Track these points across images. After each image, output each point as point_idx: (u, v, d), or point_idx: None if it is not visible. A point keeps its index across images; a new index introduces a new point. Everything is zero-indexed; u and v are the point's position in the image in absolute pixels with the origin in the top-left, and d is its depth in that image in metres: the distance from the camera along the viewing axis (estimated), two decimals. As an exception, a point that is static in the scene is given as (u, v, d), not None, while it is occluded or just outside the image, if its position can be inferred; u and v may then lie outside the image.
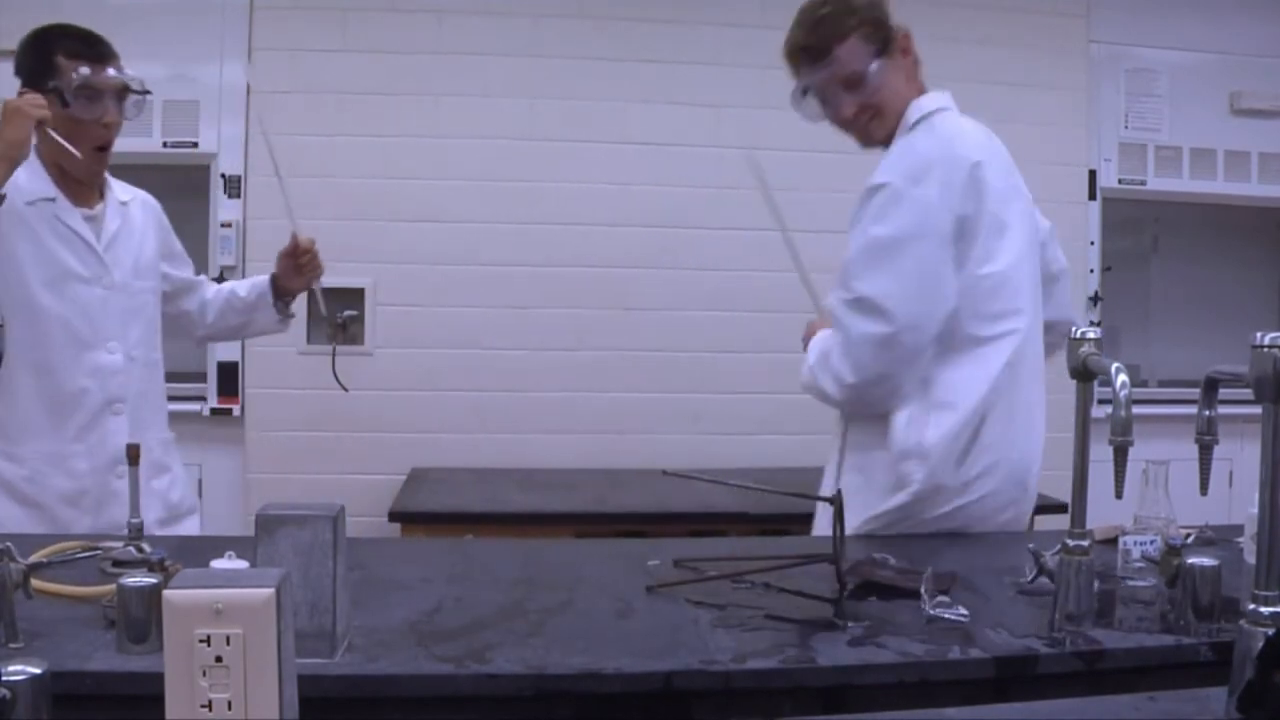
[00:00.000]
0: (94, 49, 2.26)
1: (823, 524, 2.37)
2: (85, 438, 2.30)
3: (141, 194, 2.55)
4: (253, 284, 2.70)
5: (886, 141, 2.21)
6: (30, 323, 2.23)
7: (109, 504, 2.28)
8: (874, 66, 2.15)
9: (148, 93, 2.35)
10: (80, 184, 2.34)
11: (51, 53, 2.23)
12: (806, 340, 2.30)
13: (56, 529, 2.14)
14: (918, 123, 2.17)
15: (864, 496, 2.12)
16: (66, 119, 2.21)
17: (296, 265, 2.61)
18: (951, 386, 2.10)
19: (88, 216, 2.35)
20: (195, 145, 4.04)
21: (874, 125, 2.21)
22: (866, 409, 2.14)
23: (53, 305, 2.26)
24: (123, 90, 2.29)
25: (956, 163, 2.09)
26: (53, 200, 2.28)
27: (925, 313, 2.06)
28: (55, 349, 2.27)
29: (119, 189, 2.47)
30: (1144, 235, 4.95)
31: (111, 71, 2.26)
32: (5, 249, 2.22)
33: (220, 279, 2.73)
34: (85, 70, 2.21)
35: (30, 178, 2.24)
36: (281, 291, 2.67)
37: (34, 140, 2.16)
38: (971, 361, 2.11)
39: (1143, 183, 4.61)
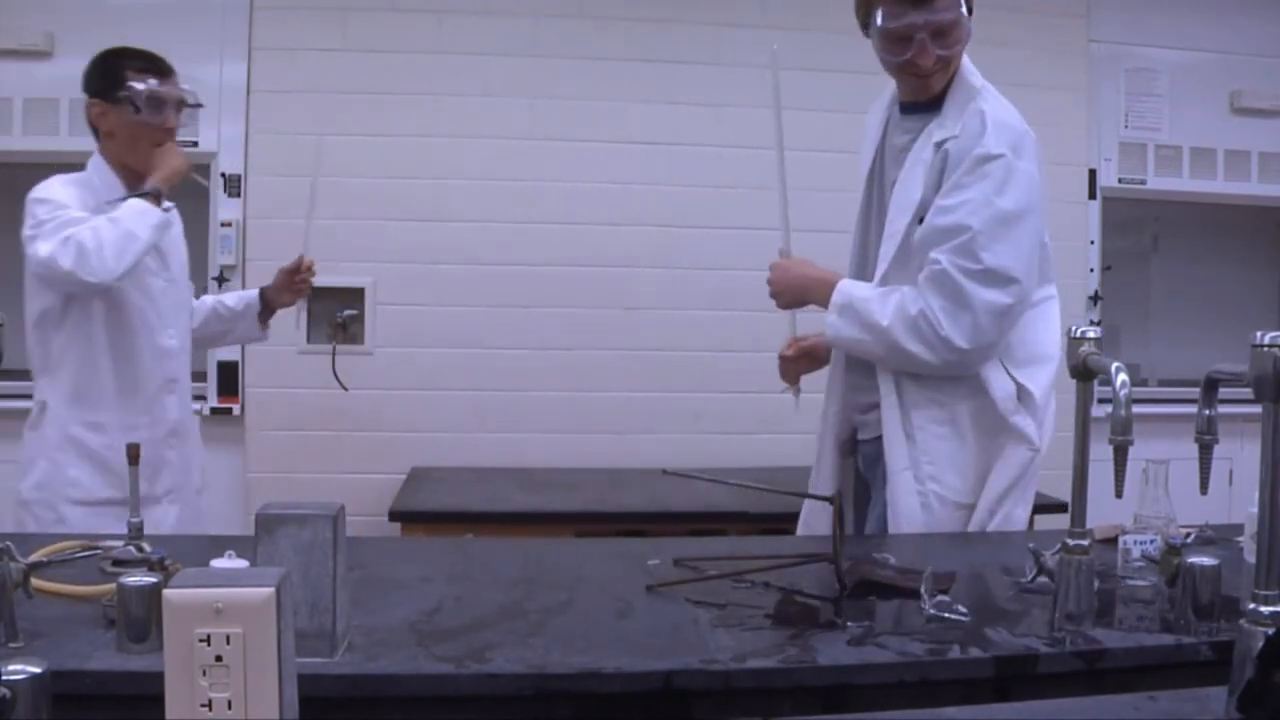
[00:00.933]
0: (157, 65, 2.56)
1: (812, 522, 2.38)
2: (150, 411, 2.59)
3: (172, 204, 2.74)
4: (241, 296, 3.00)
5: (937, 97, 2.22)
6: (114, 309, 2.51)
7: (162, 470, 2.59)
8: (967, 22, 2.16)
9: (200, 105, 2.69)
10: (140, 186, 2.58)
11: (121, 69, 2.51)
12: (782, 282, 2.37)
13: (122, 491, 2.20)
14: (980, 88, 2.20)
15: (962, 457, 2.20)
16: (133, 124, 2.50)
17: (291, 283, 2.89)
18: (1035, 343, 2.20)
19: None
20: (195, 145, 4.03)
21: (937, 79, 2.21)
22: (955, 371, 2.17)
23: (132, 293, 2.53)
24: (180, 103, 2.58)
25: (1031, 136, 2.18)
26: (126, 200, 2.48)
27: (1034, 282, 2.19)
28: (131, 333, 2.55)
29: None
30: (1144, 234, 4.95)
31: (170, 87, 2.56)
32: None
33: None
34: (154, 82, 2.52)
35: (103, 181, 2.54)
36: (269, 304, 2.94)
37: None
38: (1036, 322, 2.23)
39: (1143, 182, 4.60)
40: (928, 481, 2.19)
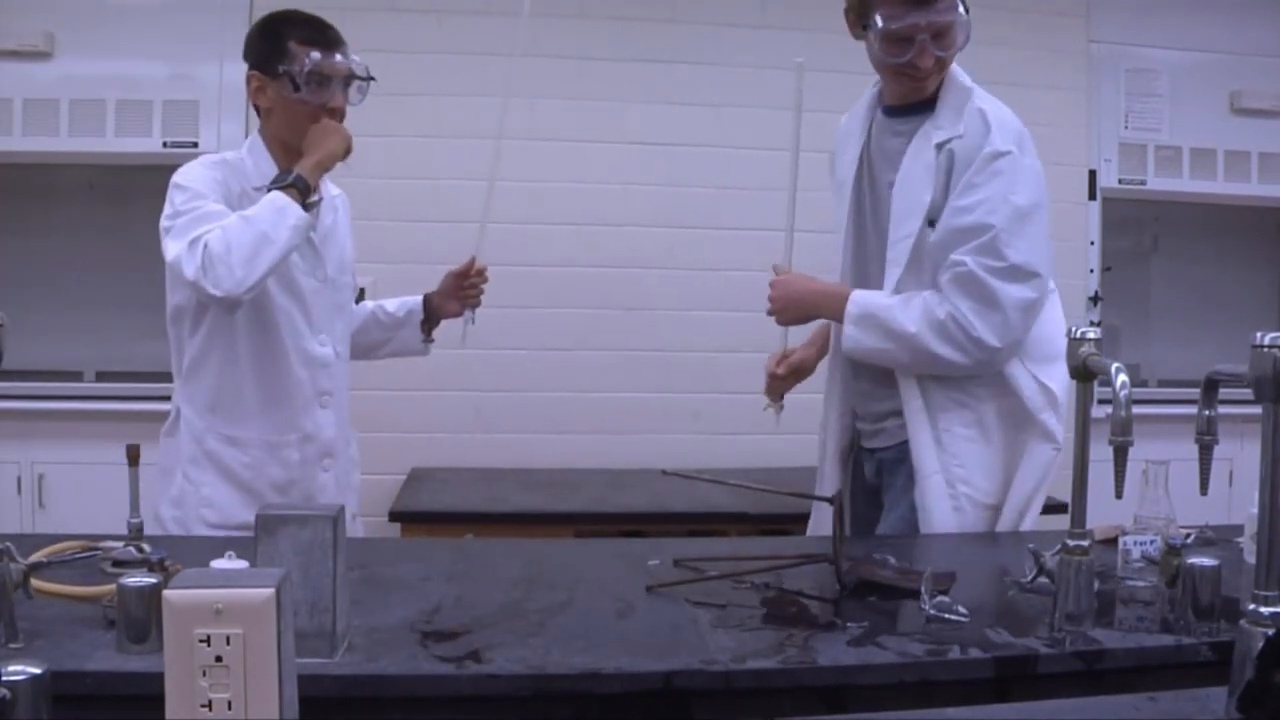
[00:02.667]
0: (324, 35, 2.28)
1: (820, 522, 2.37)
2: (298, 426, 2.32)
3: (340, 191, 2.53)
4: (403, 302, 2.68)
5: (929, 99, 2.23)
6: (256, 311, 2.23)
7: (316, 497, 2.33)
8: (966, 23, 2.16)
9: (372, 79, 2.34)
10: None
11: (283, 38, 2.25)
12: (784, 299, 2.35)
13: None
14: (971, 88, 2.23)
15: (989, 458, 2.22)
16: (293, 103, 2.24)
17: (459, 289, 2.63)
18: (1049, 341, 2.19)
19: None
20: (195, 145, 4.03)
21: (932, 81, 2.21)
22: (984, 370, 2.19)
23: (277, 295, 2.26)
24: (348, 77, 2.30)
25: (1027, 132, 2.21)
26: (267, 191, 2.22)
27: (1051, 275, 2.24)
28: (277, 338, 2.28)
29: (327, 183, 2.43)
30: (1144, 235, 4.95)
31: (339, 58, 2.28)
32: None
33: (360, 294, 2.70)
34: (316, 55, 2.23)
35: (256, 164, 2.30)
36: (433, 313, 2.67)
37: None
38: (1045, 319, 2.23)
39: (1143, 183, 4.60)
40: (958, 485, 2.19)
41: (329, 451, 2.37)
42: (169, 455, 2.31)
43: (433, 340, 2.72)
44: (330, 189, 2.47)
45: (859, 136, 2.34)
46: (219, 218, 2.11)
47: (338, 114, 2.29)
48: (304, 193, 2.16)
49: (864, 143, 2.33)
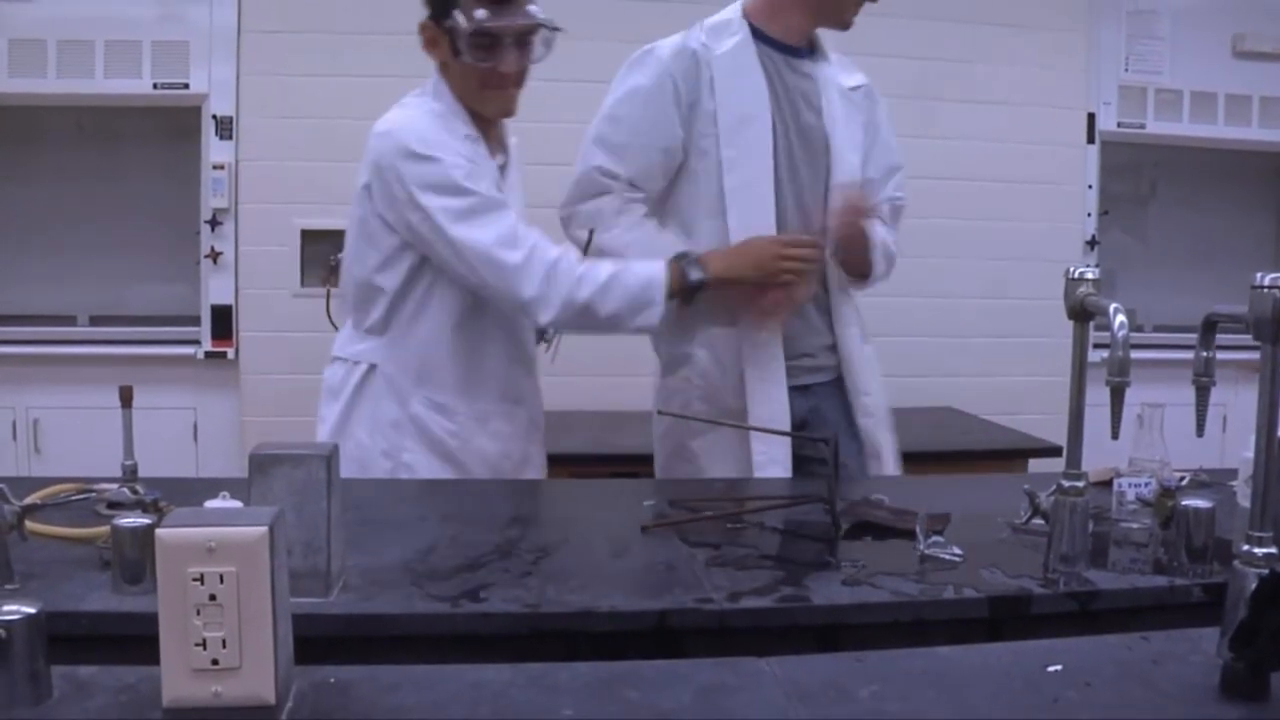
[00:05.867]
0: None
1: (765, 463, 2.30)
2: (505, 397, 2.21)
3: (516, 139, 2.31)
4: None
5: (812, 41, 2.39)
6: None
7: (525, 470, 2.24)
8: None
9: (558, 29, 2.08)
10: (491, 128, 2.18)
11: None
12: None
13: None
14: None
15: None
16: (461, 64, 2.05)
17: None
18: None
19: (500, 165, 2.18)
20: (186, 86, 3.99)
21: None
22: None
23: None
24: (523, 33, 2.05)
25: None
26: (476, 140, 2.11)
27: None
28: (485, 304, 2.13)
29: (508, 134, 2.27)
30: (1143, 179, 4.92)
31: (510, 18, 2.02)
32: None
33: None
34: (481, 14, 1.99)
35: (454, 116, 2.10)
36: None
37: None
38: None
39: (1142, 126, 4.57)
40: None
41: (536, 423, 2.30)
42: (351, 413, 2.15)
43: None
44: (510, 137, 2.28)
45: (757, 76, 2.26)
46: (504, 207, 2.04)
47: (508, 78, 2.07)
48: (685, 292, 2.09)
49: (768, 79, 2.28)
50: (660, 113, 2.23)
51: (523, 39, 2.05)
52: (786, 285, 2.19)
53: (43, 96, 4.00)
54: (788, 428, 2.26)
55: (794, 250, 2.16)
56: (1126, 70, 4.54)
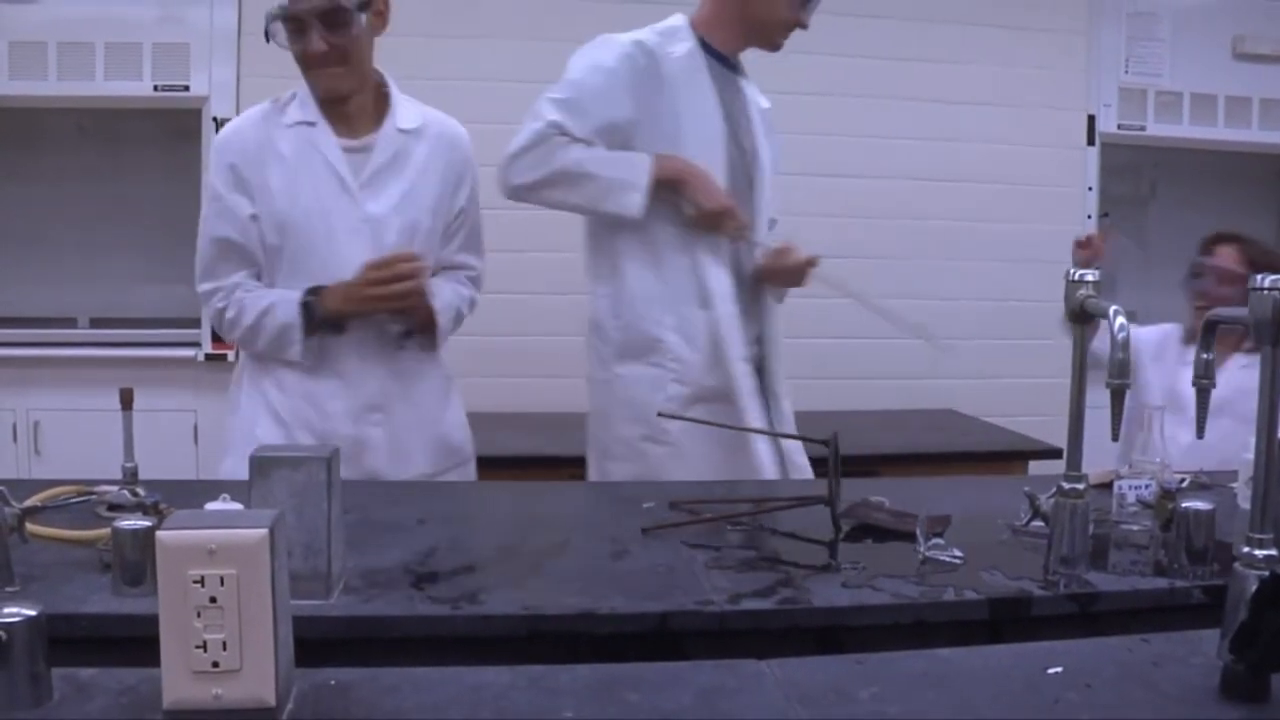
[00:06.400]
0: None
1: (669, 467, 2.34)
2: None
3: (445, 126, 2.31)
4: None
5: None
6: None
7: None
8: None
9: (364, 9, 2.07)
10: (357, 110, 2.19)
11: None
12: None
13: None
14: None
15: None
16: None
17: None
18: None
19: (350, 147, 2.17)
20: (186, 89, 3.99)
21: None
22: None
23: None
24: (329, 12, 2.04)
25: None
26: (313, 125, 2.15)
27: None
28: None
29: (406, 116, 2.25)
30: (1143, 181, 4.92)
31: (308, 1, 2.03)
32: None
33: None
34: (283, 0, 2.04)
35: (285, 109, 2.19)
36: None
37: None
38: None
39: (1142, 128, 4.57)
40: None
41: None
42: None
43: None
44: (420, 119, 2.27)
45: (708, 85, 2.35)
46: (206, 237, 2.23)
47: (321, 58, 2.07)
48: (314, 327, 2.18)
49: (716, 90, 2.36)
50: (619, 89, 2.29)
51: (328, 18, 2.05)
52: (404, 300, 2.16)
53: (43, 99, 4.00)
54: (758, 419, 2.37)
55: (377, 279, 2.11)
56: (1126, 72, 4.54)
